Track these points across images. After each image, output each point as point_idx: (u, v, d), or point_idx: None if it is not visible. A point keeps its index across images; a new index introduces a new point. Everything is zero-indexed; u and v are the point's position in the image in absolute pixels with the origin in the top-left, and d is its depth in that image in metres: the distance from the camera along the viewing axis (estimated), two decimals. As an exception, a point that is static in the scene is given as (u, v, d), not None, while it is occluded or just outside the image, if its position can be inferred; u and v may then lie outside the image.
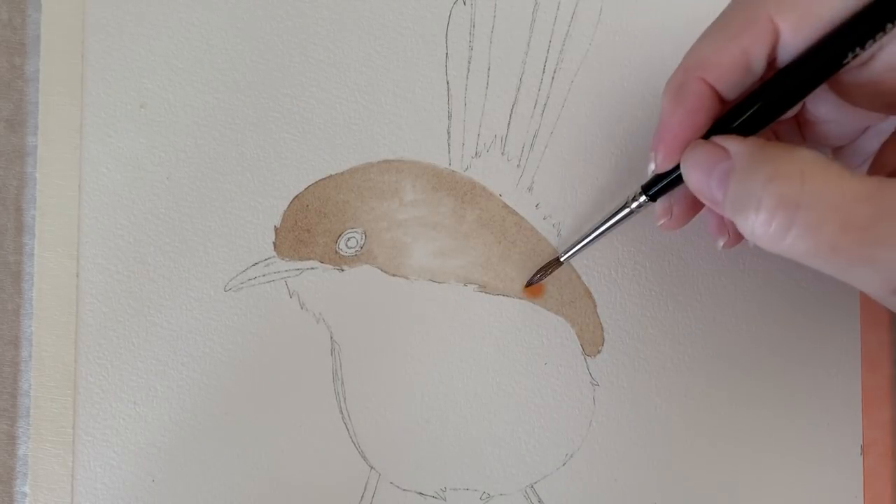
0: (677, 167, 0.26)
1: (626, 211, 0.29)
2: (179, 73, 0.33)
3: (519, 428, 0.33)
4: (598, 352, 0.33)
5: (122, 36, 0.33)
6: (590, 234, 0.31)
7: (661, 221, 0.29)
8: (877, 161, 0.27)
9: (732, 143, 0.24)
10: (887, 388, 0.33)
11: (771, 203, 0.22)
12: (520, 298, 0.33)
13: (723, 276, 0.34)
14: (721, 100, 0.26)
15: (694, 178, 0.25)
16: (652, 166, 0.27)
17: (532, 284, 0.33)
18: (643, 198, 0.28)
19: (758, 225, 0.23)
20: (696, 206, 0.29)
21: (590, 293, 0.33)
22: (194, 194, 0.33)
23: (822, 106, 0.28)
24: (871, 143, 0.29)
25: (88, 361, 0.32)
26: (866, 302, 0.34)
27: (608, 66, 0.34)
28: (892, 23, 0.23)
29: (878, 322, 0.34)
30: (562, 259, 0.32)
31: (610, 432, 0.33)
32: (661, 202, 0.29)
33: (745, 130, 0.25)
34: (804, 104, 0.28)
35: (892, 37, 0.24)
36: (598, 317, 0.33)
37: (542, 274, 0.33)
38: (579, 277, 0.33)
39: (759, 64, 0.25)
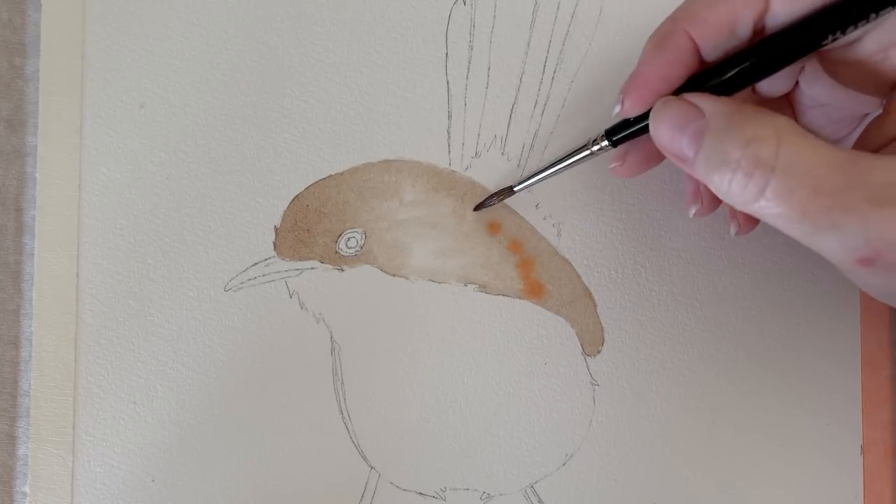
0: (643, 117, 0.27)
1: (586, 153, 0.29)
2: (179, 73, 0.33)
3: (519, 428, 0.33)
4: (598, 352, 0.33)
5: (122, 36, 0.33)
6: (545, 170, 0.31)
7: (613, 165, 0.29)
8: (859, 142, 0.28)
9: (706, 103, 0.25)
10: (887, 388, 0.33)
11: (748, 164, 0.23)
12: (520, 298, 0.33)
13: (723, 276, 0.34)
14: (700, 59, 0.26)
15: (664, 133, 0.26)
16: (617, 109, 0.27)
17: (482, 208, 0.33)
18: (605, 142, 0.29)
19: (734, 185, 0.23)
20: (651, 159, 0.29)
21: (590, 293, 0.33)
22: (194, 194, 0.33)
23: (816, 85, 0.28)
24: None
25: (88, 361, 0.32)
26: (866, 302, 0.34)
27: (608, 66, 0.34)
28: (876, 13, 0.24)
29: (878, 322, 0.34)
30: (515, 189, 0.32)
31: (610, 432, 0.33)
32: (619, 147, 0.29)
33: (718, 92, 0.26)
34: (798, 83, 0.28)
35: (878, 23, 0.24)
36: (598, 317, 0.33)
37: (495, 199, 0.32)
38: (579, 277, 0.33)
39: (744, 29, 0.25)
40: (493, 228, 0.33)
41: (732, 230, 0.29)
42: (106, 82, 0.33)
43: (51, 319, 0.32)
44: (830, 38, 0.24)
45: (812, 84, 0.28)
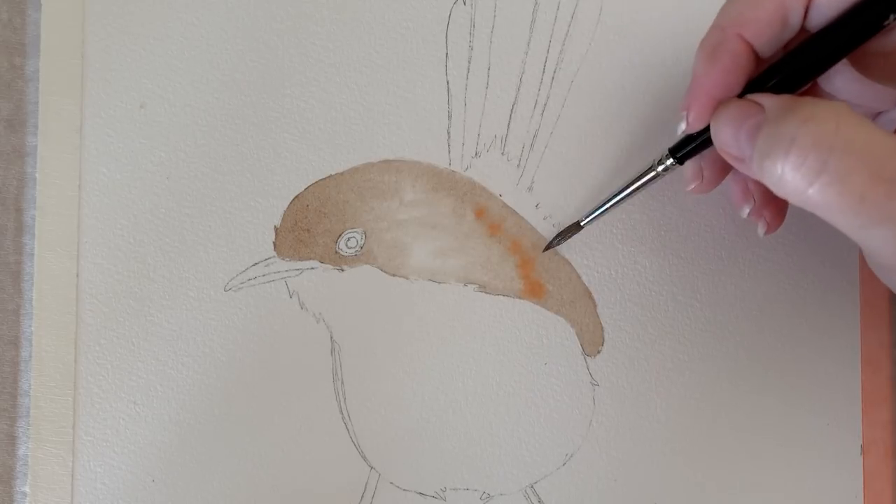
0: (707, 129, 0.26)
1: (652, 174, 0.29)
2: (179, 73, 0.33)
3: (519, 428, 0.33)
4: (598, 352, 0.33)
5: (122, 36, 0.33)
6: (611, 199, 0.31)
7: (692, 185, 0.29)
8: None
9: (766, 99, 0.24)
10: (887, 388, 0.33)
11: (805, 143, 0.22)
12: (520, 298, 0.33)
13: (723, 276, 0.34)
14: (756, 58, 0.25)
15: (723, 134, 0.25)
16: (682, 126, 0.26)
17: (550, 248, 0.33)
18: (670, 161, 0.28)
19: (788, 167, 0.22)
20: (726, 166, 0.28)
21: (590, 293, 0.33)
22: (194, 194, 0.33)
23: (837, 79, 0.27)
24: None
25: (88, 361, 0.32)
26: (866, 302, 0.34)
27: (608, 66, 0.34)
28: None
29: (878, 322, 0.34)
30: (582, 224, 0.32)
31: (610, 432, 0.33)
32: (691, 165, 0.28)
33: (779, 91, 0.25)
34: (816, 80, 0.28)
35: None
36: (598, 317, 0.33)
37: (561, 238, 0.32)
38: (579, 277, 0.33)
39: (796, 17, 0.25)
40: (493, 228, 0.33)
41: (761, 230, 0.29)
42: (106, 82, 0.33)
43: (51, 319, 0.32)
44: (893, 17, 0.23)
45: (832, 78, 0.27)
